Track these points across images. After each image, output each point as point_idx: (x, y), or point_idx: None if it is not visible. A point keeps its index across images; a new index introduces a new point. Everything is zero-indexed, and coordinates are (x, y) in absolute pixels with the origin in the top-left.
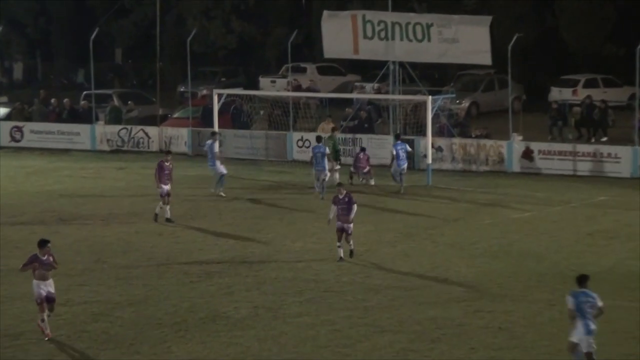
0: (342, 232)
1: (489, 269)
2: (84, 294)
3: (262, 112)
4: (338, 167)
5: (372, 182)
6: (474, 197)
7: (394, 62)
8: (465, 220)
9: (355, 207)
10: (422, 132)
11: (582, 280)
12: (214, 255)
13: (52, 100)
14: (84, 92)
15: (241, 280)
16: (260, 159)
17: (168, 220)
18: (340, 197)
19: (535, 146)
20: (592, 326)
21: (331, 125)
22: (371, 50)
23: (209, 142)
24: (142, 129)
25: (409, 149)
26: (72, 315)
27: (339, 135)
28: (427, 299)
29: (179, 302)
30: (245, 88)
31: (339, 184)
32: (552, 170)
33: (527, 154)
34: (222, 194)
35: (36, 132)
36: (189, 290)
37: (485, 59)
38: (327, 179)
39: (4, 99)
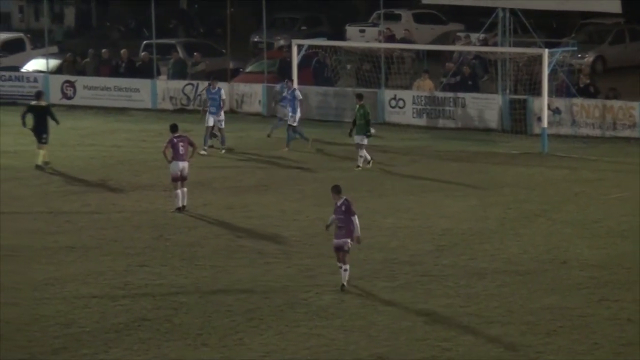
0: (340, 251)
1: (616, 251)
2: (145, 276)
3: (348, 67)
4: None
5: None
6: (598, 167)
7: (504, 9)
8: (587, 194)
9: (356, 219)
10: (536, 91)
11: None
12: (293, 232)
13: (103, 51)
14: (144, 42)
15: (324, 261)
16: (347, 121)
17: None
18: (338, 204)
19: None
20: None
21: (427, 80)
22: None
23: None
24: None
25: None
26: (131, 300)
27: (436, 93)
28: (541, 286)
29: (252, 287)
30: (330, 38)
31: (336, 187)
32: None
33: None
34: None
35: (90, 88)
36: (263, 273)
37: (614, 5)
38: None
39: (54, 49)
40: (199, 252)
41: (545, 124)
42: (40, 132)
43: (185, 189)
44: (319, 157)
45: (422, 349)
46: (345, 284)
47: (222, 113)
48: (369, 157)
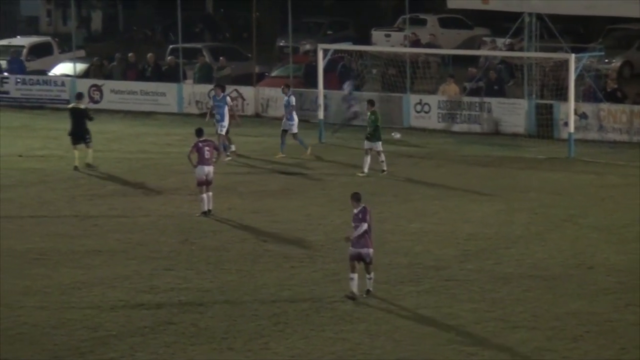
0: (357, 260)
1: None
2: (170, 280)
3: (374, 71)
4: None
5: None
6: (625, 172)
7: (530, 14)
8: (614, 199)
9: (364, 226)
10: (563, 96)
11: None
12: (318, 237)
13: (130, 55)
14: (170, 46)
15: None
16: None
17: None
18: (356, 211)
19: None
20: None
21: (453, 84)
22: None
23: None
24: (235, 90)
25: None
26: (157, 304)
27: (462, 98)
28: (567, 291)
29: (278, 291)
30: (355, 43)
31: (355, 194)
32: None
33: None
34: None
35: (117, 92)
36: (289, 277)
37: None
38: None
39: (81, 53)
40: (224, 256)
41: (571, 128)
42: (80, 134)
43: (210, 193)
44: (344, 162)
45: (447, 353)
46: (371, 289)
47: (226, 121)
48: (366, 168)
